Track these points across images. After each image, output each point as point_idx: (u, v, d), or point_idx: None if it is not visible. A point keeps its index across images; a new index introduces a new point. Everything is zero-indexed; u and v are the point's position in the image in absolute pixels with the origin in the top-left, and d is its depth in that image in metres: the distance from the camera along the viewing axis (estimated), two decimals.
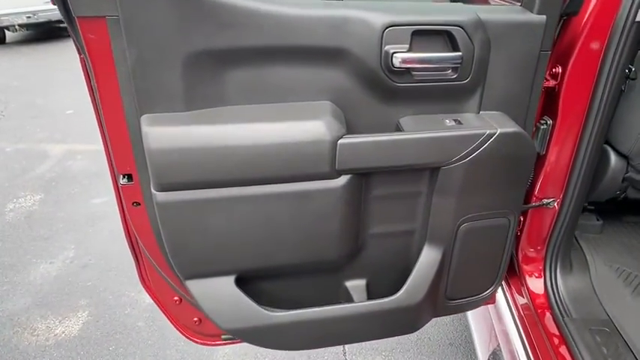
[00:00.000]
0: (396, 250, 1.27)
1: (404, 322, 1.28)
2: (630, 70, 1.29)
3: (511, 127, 1.09)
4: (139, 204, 1.11)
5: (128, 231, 1.21)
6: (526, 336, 1.55)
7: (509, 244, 1.32)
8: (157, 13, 0.88)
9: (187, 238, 1.04)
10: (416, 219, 1.22)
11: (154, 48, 0.91)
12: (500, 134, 1.07)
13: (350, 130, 1.05)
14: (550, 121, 1.31)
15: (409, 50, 1.00)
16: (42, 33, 9.43)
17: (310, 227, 1.09)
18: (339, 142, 0.99)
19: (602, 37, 1.20)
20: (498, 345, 1.74)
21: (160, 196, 0.98)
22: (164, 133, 0.94)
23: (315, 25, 0.96)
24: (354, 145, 1.00)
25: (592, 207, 1.78)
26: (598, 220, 1.78)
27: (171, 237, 1.04)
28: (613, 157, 1.52)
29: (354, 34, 0.98)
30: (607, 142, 1.55)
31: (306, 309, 1.17)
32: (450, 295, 1.35)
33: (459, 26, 1.01)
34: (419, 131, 1.04)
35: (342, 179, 1.04)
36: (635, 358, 1.29)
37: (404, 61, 0.99)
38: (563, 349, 1.39)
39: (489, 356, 1.79)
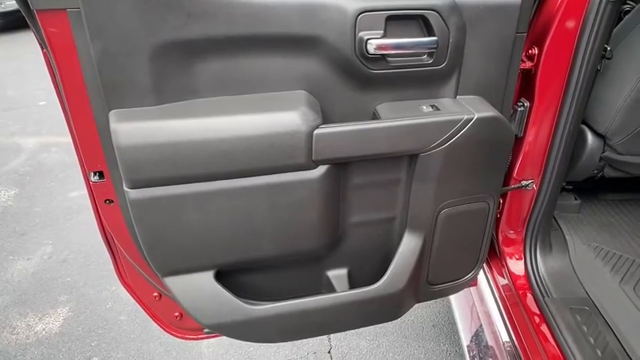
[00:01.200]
0: (377, 238, 1.26)
1: (387, 309, 1.28)
2: (606, 49, 1.28)
3: (488, 112, 1.08)
4: (112, 201, 1.07)
5: (103, 228, 1.17)
6: (507, 316, 1.57)
7: (490, 228, 1.33)
8: (120, 4, 0.84)
9: (163, 235, 1.01)
10: (396, 206, 1.21)
11: (119, 41, 0.86)
12: (477, 119, 1.06)
13: (326, 119, 1.02)
14: (527, 103, 1.31)
15: (384, 36, 0.97)
16: (11, 22, 9.09)
17: (289, 219, 1.07)
18: (315, 132, 0.96)
19: (577, 17, 1.19)
20: (481, 325, 1.76)
21: (133, 194, 0.95)
22: (134, 129, 0.90)
23: (288, 13, 0.93)
24: (330, 134, 0.98)
25: (570, 187, 1.79)
26: (576, 199, 1.80)
27: (147, 234, 1.00)
28: (590, 137, 1.53)
29: (327, 21, 0.95)
30: (584, 122, 1.56)
31: (288, 301, 1.16)
32: (432, 280, 1.35)
33: (433, 10, 0.98)
34: (396, 118, 1.02)
35: (320, 169, 1.02)
36: (615, 335, 1.31)
37: (379, 47, 0.96)
38: (544, 329, 1.41)
39: (472, 337, 1.82)
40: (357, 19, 0.95)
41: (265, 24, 0.93)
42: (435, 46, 1.00)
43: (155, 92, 0.93)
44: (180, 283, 1.09)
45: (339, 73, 1.03)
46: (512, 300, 1.56)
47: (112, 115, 0.91)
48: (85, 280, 2.71)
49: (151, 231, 1.00)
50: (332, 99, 1.06)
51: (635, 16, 1.29)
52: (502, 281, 1.64)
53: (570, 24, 1.20)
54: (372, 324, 1.31)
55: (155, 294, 1.31)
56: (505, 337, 1.58)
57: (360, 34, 0.96)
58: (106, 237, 1.20)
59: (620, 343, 1.29)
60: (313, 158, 0.99)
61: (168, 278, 1.09)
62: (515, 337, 1.50)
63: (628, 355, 1.26)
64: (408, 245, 1.23)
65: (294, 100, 0.99)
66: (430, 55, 1.03)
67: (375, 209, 1.20)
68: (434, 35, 1.00)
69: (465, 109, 1.08)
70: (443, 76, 1.09)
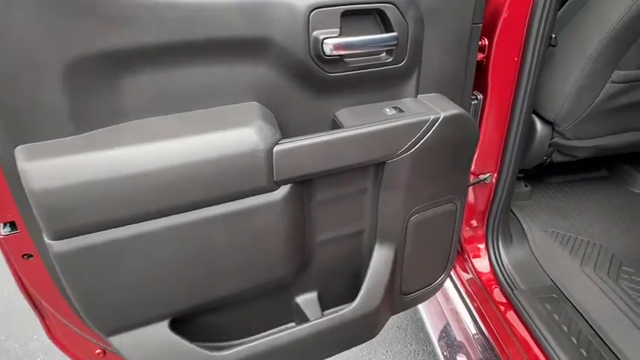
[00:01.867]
0: (346, 254, 1.16)
1: (363, 329, 1.18)
2: (551, 36, 1.28)
3: (453, 110, 1.01)
4: (32, 256, 0.88)
5: (23, 285, 0.97)
6: (478, 313, 1.54)
7: (458, 229, 1.27)
8: (19, 11, 0.66)
9: (101, 290, 0.83)
10: (364, 218, 1.12)
11: (22, 57, 0.68)
12: (444, 118, 0.99)
13: (282, 131, 0.90)
14: (480, 96, 1.27)
15: (340, 34, 0.87)
16: None
17: (251, 248, 0.94)
18: (275, 149, 0.84)
19: (526, 4, 1.16)
20: (448, 323, 1.73)
21: (57, 246, 0.77)
22: (50, 168, 0.72)
23: (228, 14, 0.79)
24: (292, 150, 0.86)
25: (521, 175, 1.81)
26: (526, 186, 1.82)
27: (80, 292, 0.82)
28: (539, 125, 1.53)
29: (275, 20, 0.83)
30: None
31: (257, 340, 1.03)
32: (405, 290, 1.28)
33: (391, 3, 0.89)
34: (360, 126, 0.92)
35: (282, 190, 0.90)
36: (585, 321, 1.32)
37: (336, 47, 0.86)
38: (517, 322, 1.39)
39: (440, 334, 1.78)
40: (309, 16, 0.84)
41: (202, 27, 0.79)
42: (396, 42, 0.91)
43: (74, 118, 0.75)
44: (129, 341, 0.92)
45: (293, 79, 0.91)
46: (481, 296, 1.53)
47: (19, 151, 0.73)
48: (8, 333, 2.36)
49: (85, 287, 0.82)
50: (287, 108, 0.94)
51: (577, 1, 1.29)
52: (468, 278, 1.61)
53: (519, 12, 1.17)
54: (350, 347, 1.20)
55: (98, 351, 1.12)
56: (475, 332, 1.55)
57: (315, 33, 0.85)
58: (29, 294, 0.99)
59: (592, 328, 1.30)
60: (275, 179, 0.86)
61: (114, 337, 0.91)
62: (489, 332, 1.48)
63: (601, 339, 1.27)
64: (380, 257, 1.15)
65: (247, 114, 0.86)
66: (389, 52, 0.95)
67: (342, 224, 1.10)
68: (392, 31, 0.92)
69: (429, 109, 1.00)
70: (403, 74, 1.01)
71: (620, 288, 1.41)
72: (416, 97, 1.06)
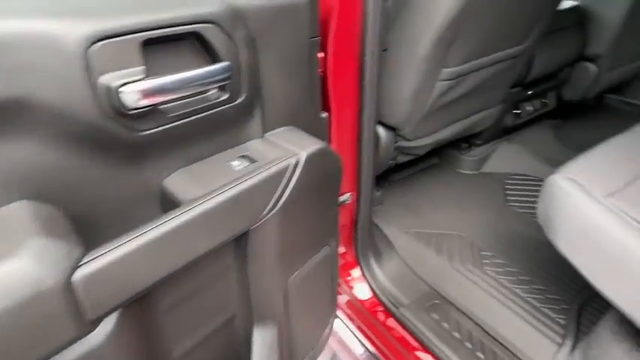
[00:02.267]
0: (219, 352, 0.88)
1: None
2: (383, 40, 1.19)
3: (313, 145, 0.82)
4: None
5: None
6: (367, 339, 1.42)
7: (336, 269, 1.11)
8: None
9: None
10: (232, 301, 0.85)
11: None
12: (306, 159, 0.79)
13: (86, 234, 0.58)
14: (325, 114, 1.12)
15: (148, 75, 0.58)
16: None
17: None
18: (76, 276, 0.51)
19: (357, 6, 1.03)
20: (335, 354, 1.60)
21: None
22: None
23: None
24: (107, 267, 0.54)
25: None
26: (378, 191, 1.77)
27: None
28: (382, 132, 1.46)
29: (32, 68, 0.50)
30: None
31: None
32: (296, 357, 1.06)
33: (211, 22, 0.64)
34: (204, 198, 0.65)
35: (106, 325, 0.58)
36: (470, 319, 1.30)
37: (145, 94, 0.57)
38: (411, 340, 1.30)
39: None
40: (86, 54, 0.53)
41: None
42: (229, 74, 0.67)
43: None
44: None
45: (84, 151, 0.59)
46: (368, 322, 1.41)
47: None
48: None
49: None
50: (86, 195, 0.61)
51: (398, 1, 1.23)
52: (349, 305, 1.48)
53: (351, 16, 1.03)
54: None
55: None
56: (365, 355, 1.44)
57: (103, 79, 0.55)
58: None
59: (479, 326, 1.28)
60: (89, 317, 0.54)
61: None
62: (383, 357, 1.37)
63: (491, 335, 1.25)
64: (263, 339, 0.90)
65: (11, 230, 0.51)
66: (222, 88, 0.70)
67: (205, 320, 0.82)
68: (220, 60, 0.67)
69: (285, 151, 0.79)
70: (244, 112, 0.77)
71: (487, 275, 1.43)
72: (263, 137, 0.83)
